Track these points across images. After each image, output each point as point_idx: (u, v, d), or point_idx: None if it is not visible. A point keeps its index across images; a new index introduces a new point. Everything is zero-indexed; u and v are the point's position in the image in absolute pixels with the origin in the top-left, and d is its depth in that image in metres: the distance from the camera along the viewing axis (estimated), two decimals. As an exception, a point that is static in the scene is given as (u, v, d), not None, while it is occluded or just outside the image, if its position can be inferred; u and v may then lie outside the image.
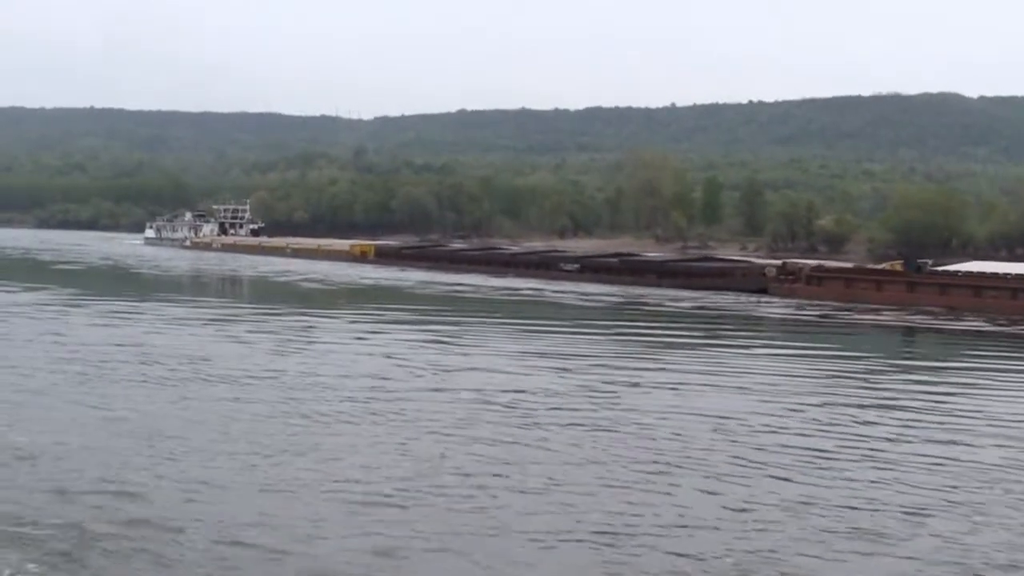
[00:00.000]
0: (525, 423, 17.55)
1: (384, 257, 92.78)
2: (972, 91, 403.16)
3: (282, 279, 66.76)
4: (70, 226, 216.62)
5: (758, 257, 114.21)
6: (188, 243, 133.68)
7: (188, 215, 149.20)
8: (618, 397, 20.52)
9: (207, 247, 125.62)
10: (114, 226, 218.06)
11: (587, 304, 51.12)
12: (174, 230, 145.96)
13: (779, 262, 66.49)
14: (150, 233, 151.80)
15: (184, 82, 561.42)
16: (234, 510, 12.10)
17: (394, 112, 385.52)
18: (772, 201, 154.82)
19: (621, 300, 54.14)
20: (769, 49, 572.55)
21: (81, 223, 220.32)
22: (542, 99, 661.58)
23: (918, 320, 45.93)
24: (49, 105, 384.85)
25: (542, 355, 27.36)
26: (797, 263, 64.69)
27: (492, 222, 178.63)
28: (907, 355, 34.05)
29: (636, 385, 22.27)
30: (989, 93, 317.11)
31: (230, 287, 62.06)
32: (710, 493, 13.31)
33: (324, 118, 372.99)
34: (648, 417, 18.31)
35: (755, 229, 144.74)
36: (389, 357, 25.83)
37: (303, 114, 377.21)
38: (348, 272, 76.66)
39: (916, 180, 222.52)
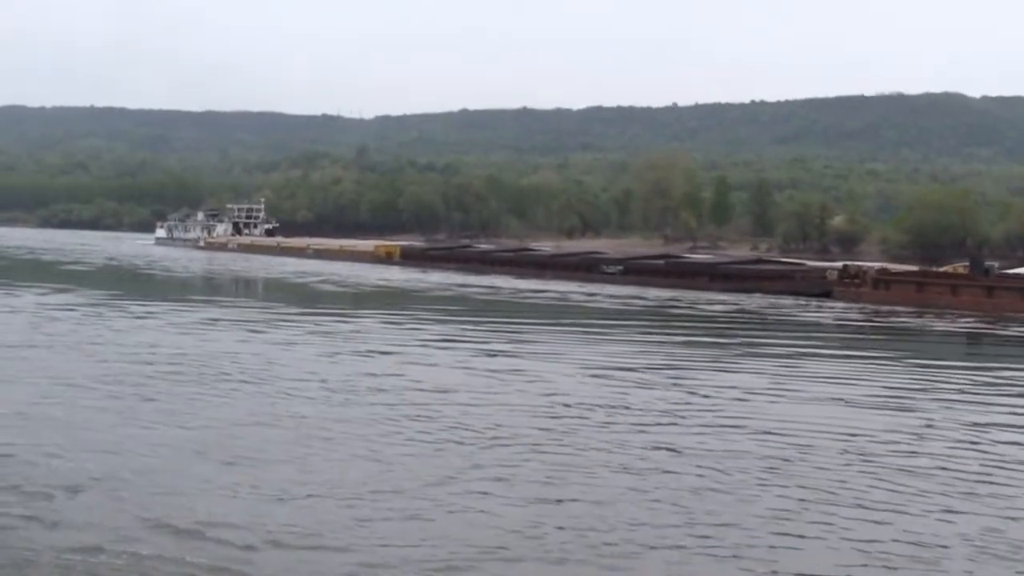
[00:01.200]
0: (633, 439, 16.59)
1: (410, 258, 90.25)
2: (975, 91, 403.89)
3: (309, 280, 64.79)
4: (73, 225, 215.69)
5: (769, 256, 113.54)
6: (202, 243, 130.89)
7: (200, 215, 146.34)
8: (720, 409, 19.53)
9: (222, 247, 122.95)
10: (117, 226, 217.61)
11: (640, 308, 49.27)
12: (186, 230, 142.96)
13: (839, 264, 64.10)
14: (161, 233, 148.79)
15: (185, 82, 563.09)
16: (358, 553, 10.95)
17: (396, 111, 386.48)
18: (779, 202, 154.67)
19: (674, 304, 51.68)
20: (771, 49, 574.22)
21: (84, 223, 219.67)
22: (543, 98, 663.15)
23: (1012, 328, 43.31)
24: (50, 104, 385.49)
25: (616, 361, 26.35)
26: (860, 266, 62.12)
27: (499, 222, 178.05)
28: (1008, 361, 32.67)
29: (731, 394, 21.34)
30: (992, 93, 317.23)
31: (260, 289, 59.97)
32: (876, 524, 12.32)
33: (326, 117, 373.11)
34: (763, 431, 17.38)
35: (765, 229, 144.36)
36: (457, 365, 24.84)
37: (305, 113, 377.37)
38: (376, 274, 74.29)
39: (920, 180, 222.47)
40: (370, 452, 15.04)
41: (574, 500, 12.77)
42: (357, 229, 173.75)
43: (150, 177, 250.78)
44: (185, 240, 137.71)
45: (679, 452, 15.60)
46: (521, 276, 72.17)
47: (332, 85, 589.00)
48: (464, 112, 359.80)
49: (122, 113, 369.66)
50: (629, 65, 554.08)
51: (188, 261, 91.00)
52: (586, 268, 72.86)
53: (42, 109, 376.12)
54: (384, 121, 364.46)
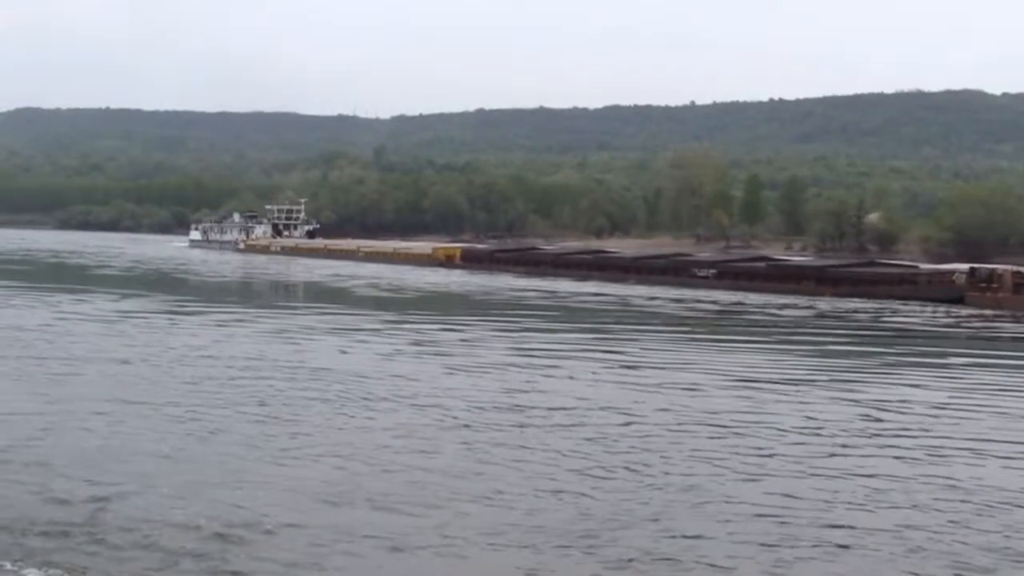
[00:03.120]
0: (847, 463, 14.95)
1: (472, 261, 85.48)
2: (995, 88, 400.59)
3: (375, 286, 60.87)
4: (91, 227, 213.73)
5: (802, 255, 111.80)
6: (242, 245, 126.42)
7: (236, 216, 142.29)
8: (921, 423, 17.95)
9: (264, 250, 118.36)
10: (136, 227, 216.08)
11: (750, 314, 45.53)
12: (223, 232, 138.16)
13: (966, 267, 59.16)
14: (195, 235, 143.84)
15: (198, 82, 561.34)
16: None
17: (411, 111, 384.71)
18: (808, 199, 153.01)
19: (785, 310, 47.56)
20: (789, 46, 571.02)
21: (102, 224, 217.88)
22: (560, 98, 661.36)
23: None
24: (64, 106, 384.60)
25: (758, 373, 24.39)
26: (994, 269, 56.81)
27: (524, 222, 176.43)
28: None
29: (916, 410, 19.61)
30: (1013, 90, 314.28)
31: (331, 294, 55.50)
32: None
33: (341, 117, 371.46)
34: (992, 454, 15.71)
35: (796, 228, 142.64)
36: (595, 379, 22.97)
37: (320, 113, 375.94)
38: (441, 278, 70.13)
39: (943, 177, 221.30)
40: (579, 488, 13.40)
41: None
42: (381, 229, 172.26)
43: (168, 178, 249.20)
44: (222, 243, 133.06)
45: (916, 482, 13.88)
46: (601, 280, 68.28)
47: (347, 85, 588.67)
48: (480, 111, 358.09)
49: (137, 114, 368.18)
50: (646, 63, 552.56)
51: (233, 265, 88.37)
52: (675, 272, 68.35)
53: (57, 110, 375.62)
54: (400, 121, 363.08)
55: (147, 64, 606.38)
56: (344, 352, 26.69)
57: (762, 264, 67.86)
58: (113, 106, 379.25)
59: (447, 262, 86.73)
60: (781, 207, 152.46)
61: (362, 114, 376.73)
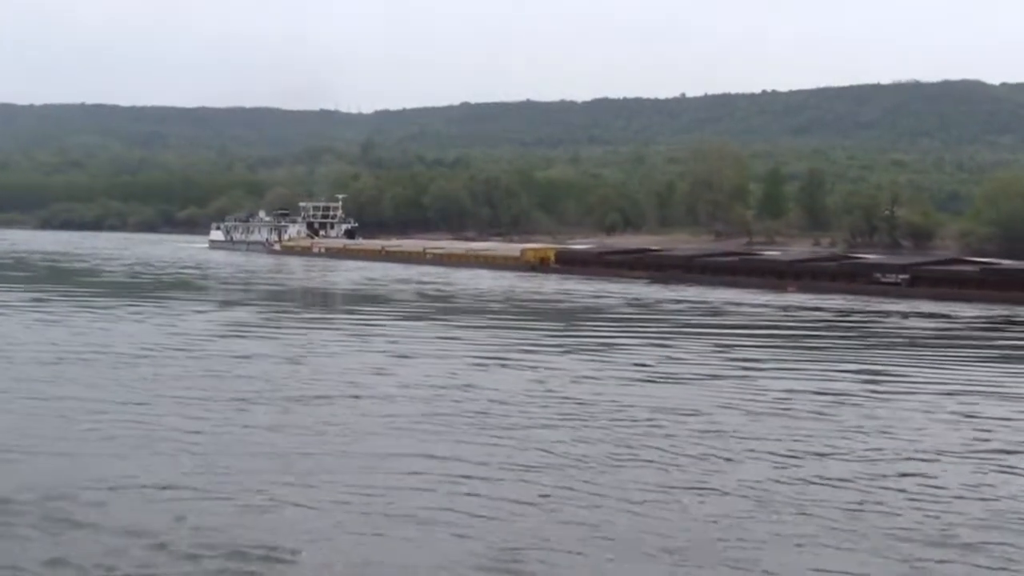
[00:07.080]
0: None
1: (573, 264, 74.07)
2: (994, 78, 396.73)
3: (486, 292, 51.58)
4: (74, 226, 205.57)
5: (832, 250, 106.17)
6: (277, 247, 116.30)
7: (262, 213, 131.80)
8: None
9: (304, 252, 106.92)
10: (122, 226, 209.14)
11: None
12: (249, 232, 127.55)
13: None
14: (217, 235, 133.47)
15: (175, 78, 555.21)
16: None
17: (394, 106, 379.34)
18: (828, 192, 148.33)
19: None
20: (782, 36, 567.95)
21: (86, 223, 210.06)
22: (547, 90, 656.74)
23: None
24: (39, 102, 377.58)
25: None
26: None
27: (528, 218, 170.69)
28: None
29: None
30: (1011, 80, 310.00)
31: (449, 304, 44.84)
32: None
33: (323, 112, 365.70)
34: None
35: (819, 223, 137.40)
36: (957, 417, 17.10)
37: (301, 108, 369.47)
38: (553, 286, 58.66)
39: (947, 170, 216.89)
40: None
41: None
42: (380, 227, 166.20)
43: (153, 175, 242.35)
44: (249, 243, 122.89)
45: None
46: (750, 288, 57.97)
47: (327, 79, 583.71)
48: (465, 105, 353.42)
49: (113, 110, 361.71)
50: (635, 55, 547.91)
51: (280, 268, 78.43)
52: (849, 277, 58.26)
53: (31, 107, 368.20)
54: (383, 115, 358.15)
55: (122, 59, 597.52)
56: (574, 380, 20.45)
57: (974, 268, 56.52)
58: (89, 102, 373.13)
59: (541, 266, 75.91)
60: (801, 201, 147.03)
61: (344, 109, 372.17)
